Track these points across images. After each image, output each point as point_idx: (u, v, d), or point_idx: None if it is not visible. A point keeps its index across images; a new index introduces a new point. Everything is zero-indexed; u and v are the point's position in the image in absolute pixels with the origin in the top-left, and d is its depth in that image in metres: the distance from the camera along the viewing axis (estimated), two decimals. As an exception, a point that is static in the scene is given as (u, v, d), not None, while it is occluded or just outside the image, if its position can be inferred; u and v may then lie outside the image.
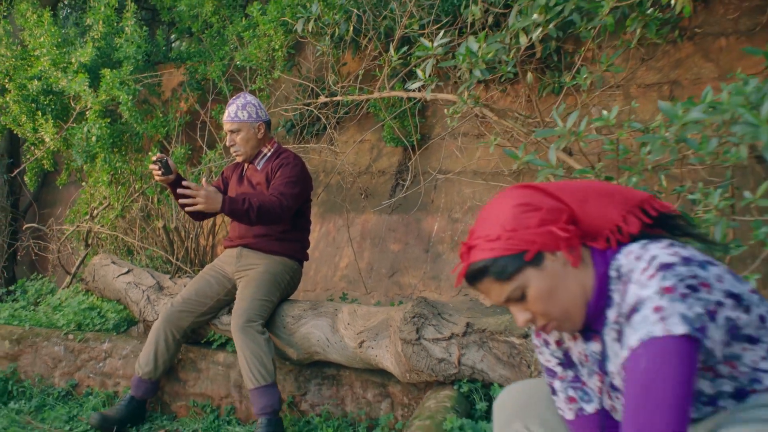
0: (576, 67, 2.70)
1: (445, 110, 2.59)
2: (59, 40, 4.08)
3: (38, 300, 3.83)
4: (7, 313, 3.45)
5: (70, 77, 3.92)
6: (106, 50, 4.22)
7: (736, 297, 1.04)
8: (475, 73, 2.18)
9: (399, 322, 2.44)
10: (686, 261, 1.03)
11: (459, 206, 3.72)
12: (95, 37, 4.13)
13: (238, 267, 2.83)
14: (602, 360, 1.20)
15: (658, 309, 0.99)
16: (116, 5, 4.20)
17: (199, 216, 2.95)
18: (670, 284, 1.00)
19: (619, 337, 1.12)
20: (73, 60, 3.99)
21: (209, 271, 2.92)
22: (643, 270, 1.05)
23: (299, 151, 4.03)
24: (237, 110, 2.88)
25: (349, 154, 4.09)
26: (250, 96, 2.95)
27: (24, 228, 4.62)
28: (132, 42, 4.08)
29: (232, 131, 2.89)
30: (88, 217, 4.00)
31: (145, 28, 4.22)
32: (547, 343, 1.34)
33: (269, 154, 2.95)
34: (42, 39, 4.01)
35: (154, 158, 2.59)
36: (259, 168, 2.94)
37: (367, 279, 3.95)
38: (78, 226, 4.00)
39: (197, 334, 2.99)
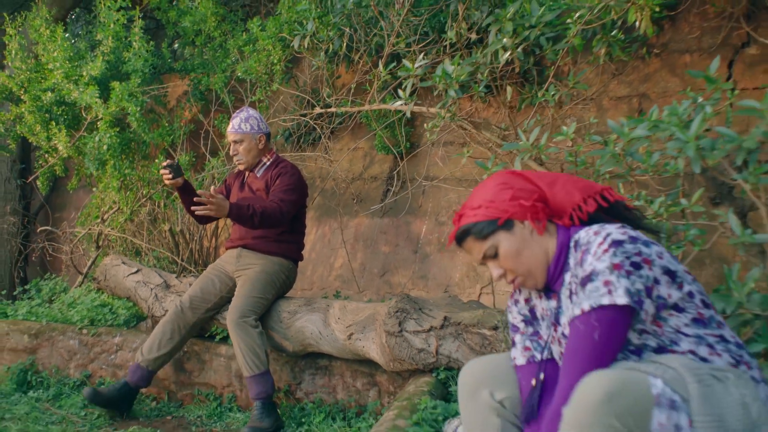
0: (547, 83, 2.95)
1: (425, 125, 2.86)
2: (71, 54, 4.35)
3: (52, 298, 4.10)
4: (24, 310, 3.72)
5: (81, 89, 4.18)
6: (115, 63, 4.48)
7: (671, 273, 1.34)
8: (449, 93, 2.44)
9: (384, 316, 2.69)
10: (633, 240, 1.33)
11: (445, 210, 3.98)
12: (105, 51, 4.39)
13: (238, 266, 3.09)
14: (557, 314, 1.48)
15: (607, 283, 1.29)
16: (125, 22, 4.46)
17: (203, 219, 3.22)
18: (618, 261, 1.29)
19: (571, 296, 1.41)
20: (84, 73, 4.25)
21: (212, 270, 3.18)
22: (599, 244, 1.34)
23: (296, 159, 4.29)
24: (240, 123, 3.14)
25: (343, 161, 4.36)
26: (253, 110, 3.22)
27: (39, 231, 4.88)
28: (140, 56, 4.34)
29: (235, 141, 3.16)
30: (99, 220, 4.27)
31: (152, 43, 4.48)
32: (516, 302, 1.63)
33: (268, 163, 3.21)
34: (55, 53, 4.28)
35: (164, 163, 2.85)
36: (259, 176, 3.20)
37: (360, 278, 4.21)
38: (90, 229, 4.27)
39: (202, 328, 3.24)
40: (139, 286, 3.50)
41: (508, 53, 2.53)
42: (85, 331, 3.43)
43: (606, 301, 1.28)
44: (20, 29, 4.67)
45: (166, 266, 4.13)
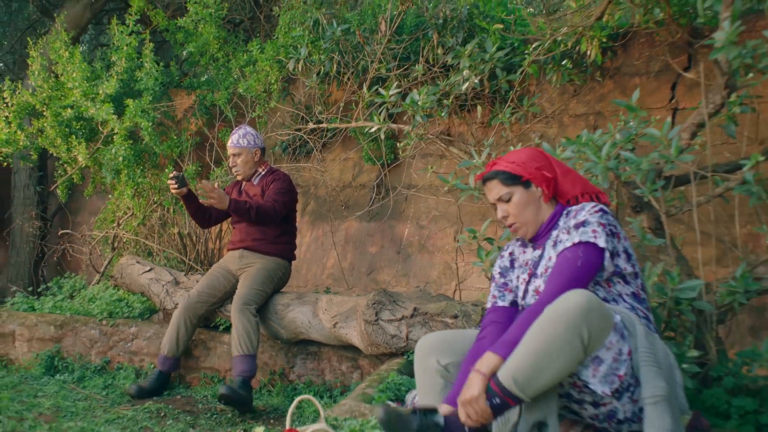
0: (506, 106, 3.41)
1: (398, 143, 3.31)
2: (88, 74, 4.81)
3: (73, 294, 4.56)
4: (50, 304, 4.18)
5: (98, 106, 4.64)
6: (128, 82, 4.94)
7: (628, 254, 1.87)
8: (416, 118, 2.90)
9: (363, 308, 3.14)
10: (614, 218, 1.87)
11: (425, 215, 4.43)
12: (118, 71, 4.85)
13: (240, 265, 3.55)
14: (538, 261, 1.97)
15: (594, 231, 1.82)
16: (136, 44, 4.92)
17: (205, 224, 3.68)
18: (604, 222, 1.84)
19: (556, 244, 1.92)
20: (100, 92, 4.71)
21: (217, 269, 3.64)
22: (592, 207, 1.88)
23: (292, 169, 4.75)
24: (239, 138, 3.61)
25: (335, 171, 4.82)
26: (249, 127, 3.69)
27: (60, 234, 5.35)
28: (151, 75, 4.81)
29: (234, 155, 3.63)
30: (114, 224, 4.74)
31: (161, 64, 4.94)
32: (502, 257, 2.13)
33: (263, 172, 3.67)
34: (74, 74, 4.74)
35: (171, 175, 3.32)
36: (255, 183, 3.67)
37: (350, 276, 4.67)
38: (106, 233, 4.74)
39: (208, 320, 3.70)
40: (152, 283, 3.96)
41: (467, 83, 2.99)
42: (104, 322, 3.89)
43: (592, 240, 1.80)
44: (42, 51, 5.13)
45: (175, 265, 4.58)
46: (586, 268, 1.78)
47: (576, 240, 1.80)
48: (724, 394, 2.36)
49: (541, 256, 1.97)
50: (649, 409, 1.63)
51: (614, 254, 1.82)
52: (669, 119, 2.40)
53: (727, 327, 2.75)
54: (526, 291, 1.98)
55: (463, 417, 1.70)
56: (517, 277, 2.04)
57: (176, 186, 3.32)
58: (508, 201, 1.97)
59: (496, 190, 1.98)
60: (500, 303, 2.04)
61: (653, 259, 2.88)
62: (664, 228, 2.49)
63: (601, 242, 1.78)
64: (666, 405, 1.63)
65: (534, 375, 1.61)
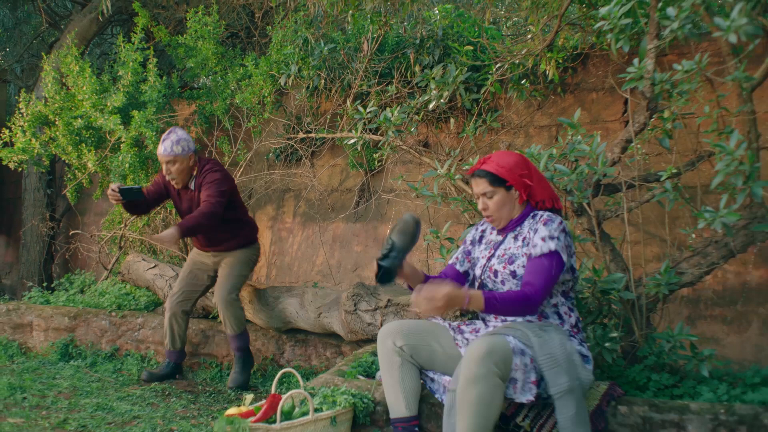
0: (472, 120, 3.83)
1: (374, 155, 3.74)
2: (97, 87, 5.23)
3: (83, 289, 4.98)
4: (64, 298, 4.61)
5: (106, 117, 5.05)
6: (134, 94, 5.35)
7: (573, 270, 2.35)
8: (389, 134, 3.32)
9: (344, 299, 3.57)
10: (570, 238, 2.34)
11: (405, 217, 4.86)
12: (125, 84, 5.26)
13: (215, 260, 3.83)
14: (498, 245, 2.42)
15: (562, 247, 2.25)
16: (141, 60, 5.34)
17: (133, 211, 3.79)
18: (567, 243, 2.29)
19: (516, 237, 2.38)
20: (108, 104, 5.13)
21: (193, 265, 3.84)
22: (558, 224, 2.30)
23: (284, 175, 5.18)
24: (172, 145, 3.49)
25: (323, 176, 5.24)
26: (181, 131, 3.58)
27: (71, 234, 5.78)
28: (154, 88, 5.22)
29: (168, 162, 3.52)
30: (122, 225, 5.17)
31: (165, 78, 5.36)
32: (477, 229, 2.58)
33: (196, 174, 3.66)
34: (84, 87, 5.16)
35: (115, 187, 3.43)
36: (192, 188, 3.67)
37: (337, 273, 5.09)
38: (114, 233, 5.17)
39: (205, 309, 4.12)
40: (157, 278, 4.39)
41: (434, 102, 3.42)
42: (113, 313, 4.32)
43: (561, 252, 2.24)
44: (54, 64, 5.55)
45: (177, 262, 5.01)
46: (556, 277, 2.23)
47: (552, 248, 2.22)
48: (644, 369, 2.78)
49: (501, 242, 2.43)
50: (557, 402, 2.10)
51: (568, 269, 2.30)
52: (598, 137, 2.82)
53: (658, 314, 3.17)
54: (484, 266, 2.44)
55: (416, 305, 2.12)
56: (481, 251, 2.51)
57: (119, 197, 3.47)
58: (491, 198, 2.36)
59: (482, 186, 2.35)
60: (458, 267, 2.53)
61: (592, 255, 3.31)
62: (595, 229, 2.91)
63: (564, 258, 2.25)
64: (569, 396, 2.09)
65: (485, 420, 2.03)
